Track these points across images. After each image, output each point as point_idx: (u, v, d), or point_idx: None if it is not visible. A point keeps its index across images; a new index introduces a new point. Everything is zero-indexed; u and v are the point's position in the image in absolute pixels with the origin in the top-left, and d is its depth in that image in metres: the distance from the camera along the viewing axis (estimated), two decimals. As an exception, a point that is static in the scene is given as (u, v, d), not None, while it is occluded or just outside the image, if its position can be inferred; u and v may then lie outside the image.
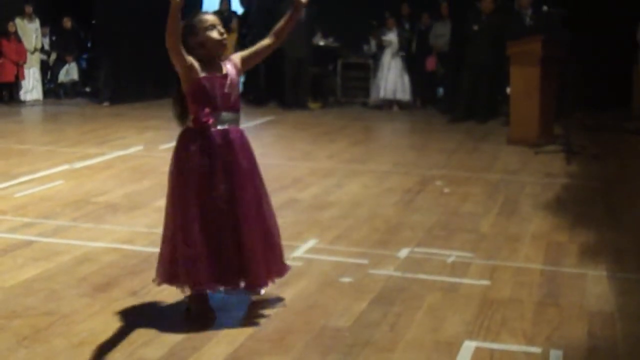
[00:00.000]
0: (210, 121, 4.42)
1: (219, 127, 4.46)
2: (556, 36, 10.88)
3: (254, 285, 4.66)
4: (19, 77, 15.36)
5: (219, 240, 4.45)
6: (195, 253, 4.39)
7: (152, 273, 5.25)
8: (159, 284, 4.63)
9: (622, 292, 5.09)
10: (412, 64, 14.94)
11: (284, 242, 6.04)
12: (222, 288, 4.65)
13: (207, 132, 4.43)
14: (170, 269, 4.52)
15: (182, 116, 4.55)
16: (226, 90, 4.47)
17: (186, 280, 4.47)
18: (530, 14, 12.30)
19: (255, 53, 4.74)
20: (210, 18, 4.49)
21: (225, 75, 4.48)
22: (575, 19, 11.11)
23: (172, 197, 4.53)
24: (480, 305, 4.81)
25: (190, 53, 4.38)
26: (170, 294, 4.79)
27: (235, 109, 4.56)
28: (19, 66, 15.31)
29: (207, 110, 4.41)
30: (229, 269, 4.50)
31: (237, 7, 16.62)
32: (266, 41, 4.74)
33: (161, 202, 7.22)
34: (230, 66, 4.55)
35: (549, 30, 10.98)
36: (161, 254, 4.61)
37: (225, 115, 4.49)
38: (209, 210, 4.42)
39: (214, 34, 4.43)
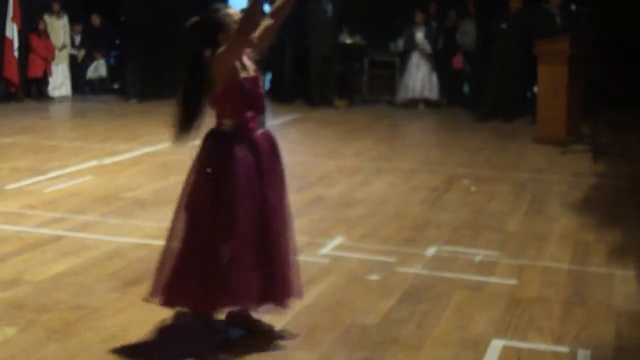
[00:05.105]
0: (255, 125, 4.18)
1: (259, 131, 4.21)
2: (584, 35, 10.82)
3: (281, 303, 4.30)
4: (47, 73, 15.47)
5: (264, 252, 4.15)
6: (248, 265, 4.08)
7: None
8: (172, 305, 4.27)
9: (651, 292, 5.08)
10: (439, 62, 14.91)
11: (311, 239, 6.11)
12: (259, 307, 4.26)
13: (251, 136, 4.16)
14: (204, 287, 4.10)
15: (189, 122, 4.21)
16: (260, 90, 4.24)
17: (235, 299, 4.11)
18: (558, 12, 12.24)
19: (260, 39, 4.31)
20: (236, 13, 4.21)
21: (257, 75, 4.24)
22: (603, 17, 11.04)
23: (215, 206, 4.11)
24: (507, 304, 4.81)
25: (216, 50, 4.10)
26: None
27: (264, 109, 4.30)
28: (48, 62, 15.42)
29: (250, 113, 4.16)
30: (268, 285, 4.18)
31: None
32: (266, 22, 4.35)
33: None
34: (250, 63, 4.26)
35: (576, 29, 10.92)
36: (180, 272, 4.16)
37: (260, 117, 4.23)
38: (256, 220, 4.11)
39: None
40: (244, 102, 4.16)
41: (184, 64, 4.19)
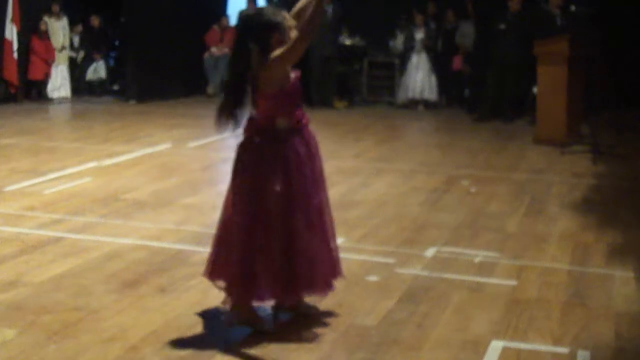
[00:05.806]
0: (306, 120, 4.40)
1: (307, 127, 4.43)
2: (583, 35, 10.82)
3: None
4: (47, 76, 15.47)
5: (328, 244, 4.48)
6: (318, 254, 4.37)
7: (180, 270, 5.33)
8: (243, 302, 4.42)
9: (650, 293, 5.07)
10: (438, 63, 14.90)
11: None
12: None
13: (303, 131, 4.38)
14: (280, 280, 4.30)
15: (233, 109, 4.27)
16: (300, 88, 4.42)
17: (310, 288, 4.41)
18: (558, 13, 12.23)
19: None
20: (290, 19, 4.31)
21: (298, 74, 4.38)
22: (603, 17, 11.04)
23: (284, 202, 4.26)
24: (507, 305, 4.81)
25: (268, 52, 4.21)
26: (198, 291, 4.82)
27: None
28: (48, 64, 15.42)
29: (299, 110, 4.36)
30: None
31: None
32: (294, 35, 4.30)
33: (189, 200, 7.34)
34: None
35: (576, 30, 10.92)
36: (254, 269, 4.29)
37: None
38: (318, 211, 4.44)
39: (294, 35, 4.22)
40: (294, 100, 4.35)
41: (232, 52, 4.37)
